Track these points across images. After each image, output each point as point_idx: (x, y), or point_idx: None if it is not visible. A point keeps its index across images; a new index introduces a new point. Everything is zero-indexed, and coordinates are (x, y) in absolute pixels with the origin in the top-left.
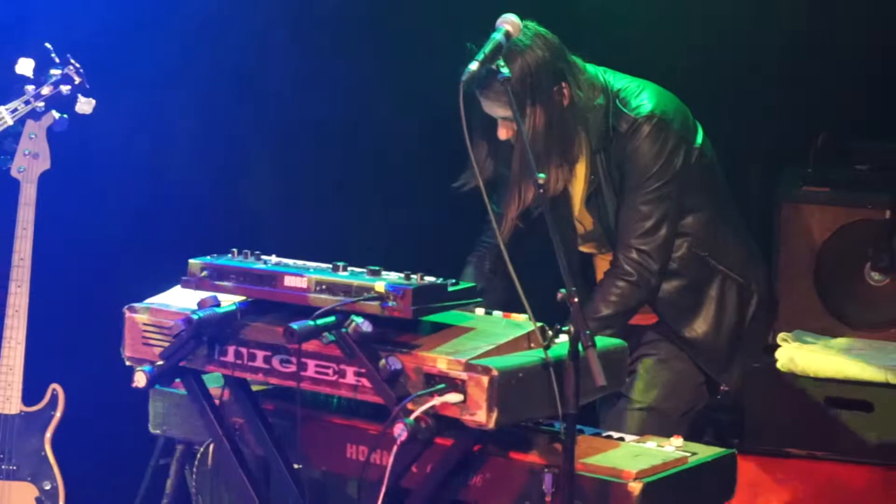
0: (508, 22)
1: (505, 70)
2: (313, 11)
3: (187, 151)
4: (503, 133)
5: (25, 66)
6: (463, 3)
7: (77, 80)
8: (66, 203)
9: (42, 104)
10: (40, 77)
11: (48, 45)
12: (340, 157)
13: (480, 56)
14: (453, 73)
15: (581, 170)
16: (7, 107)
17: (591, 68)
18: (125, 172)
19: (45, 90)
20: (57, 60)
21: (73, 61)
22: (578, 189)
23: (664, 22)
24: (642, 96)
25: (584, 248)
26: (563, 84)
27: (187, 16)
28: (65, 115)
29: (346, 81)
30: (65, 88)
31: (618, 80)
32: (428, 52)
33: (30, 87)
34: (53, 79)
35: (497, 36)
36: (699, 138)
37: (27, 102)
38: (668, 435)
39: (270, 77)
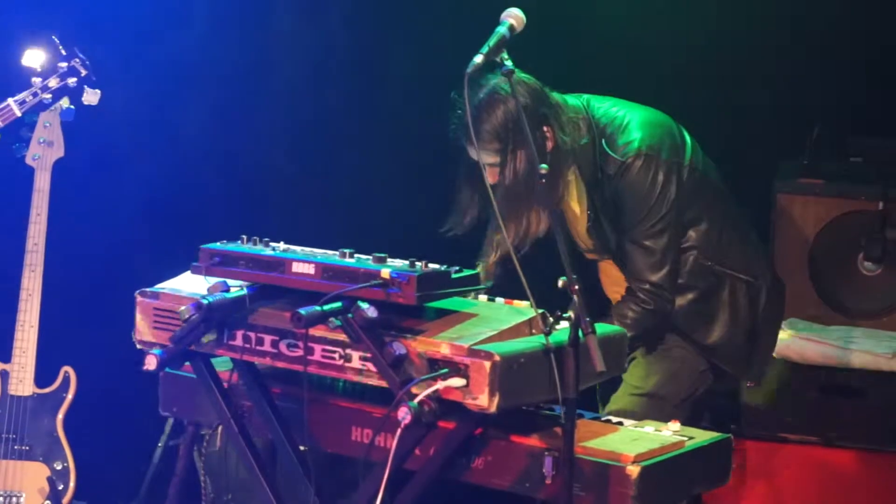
0: (512, 16)
1: (509, 63)
2: (327, 6)
3: (199, 140)
4: (492, 177)
5: (33, 58)
6: (471, 4)
7: (83, 72)
8: (79, 190)
9: (49, 96)
10: (47, 69)
11: (55, 38)
12: (350, 147)
13: (485, 49)
14: (460, 69)
15: (576, 200)
16: (16, 98)
17: (573, 101)
18: (138, 160)
19: (53, 82)
20: (63, 52)
21: (79, 53)
22: (579, 219)
23: (662, 18)
24: (628, 132)
25: (587, 256)
26: (546, 129)
27: (202, 7)
28: (72, 106)
29: (357, 74)
30: (71, 80)
31: (602, 112)
32: (437, 47)
33: (37, 80)
34: (60, 71)
35: (501, 29)
36: (688, 153)
37: (35, 94)
38: (668, 419)
39: (282, 68)
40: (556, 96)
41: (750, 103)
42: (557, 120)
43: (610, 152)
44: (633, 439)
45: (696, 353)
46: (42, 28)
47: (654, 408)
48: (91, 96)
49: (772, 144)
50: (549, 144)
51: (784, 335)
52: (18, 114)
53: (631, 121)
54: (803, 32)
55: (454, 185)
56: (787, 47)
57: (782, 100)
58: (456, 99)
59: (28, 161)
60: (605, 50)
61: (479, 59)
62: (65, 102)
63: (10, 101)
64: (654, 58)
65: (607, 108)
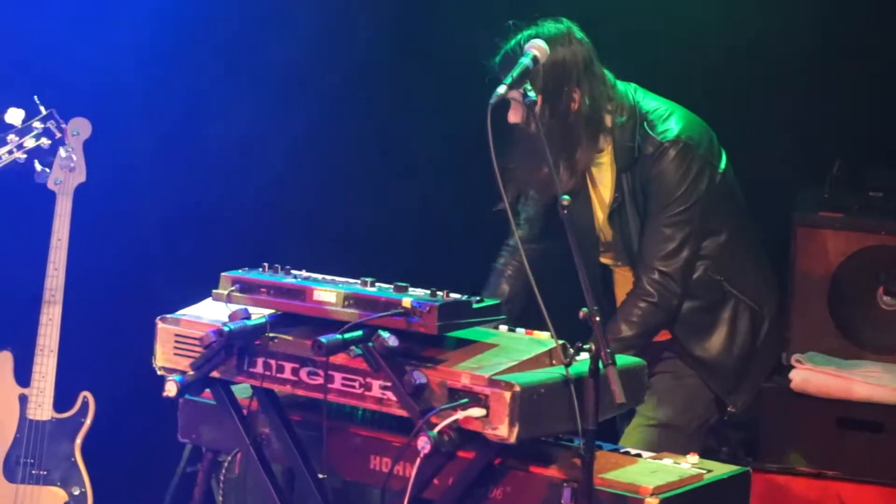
0: (536, 47)
1: (531, 94)
2: (349, 36)
3: (220, 166)
4: (513, 116)
5: (14, 116)
6: (489, 17)
7: (58, 134)
8: (100, 215)
9: (24, 155)
10: (27, 128)
11: (35, 99)
12: (373, 172)
13: (508, 80)
14: (483, 86)
15: (607, 186)
16: None
17: (621, 85)
18: (159, 186)
19: (28, 142)
20: (43, 112)
21: (56, 115)
22: (604, 201)
23: (681, 42)
24: (670, 121)
25: (602, 259)
26: (575, 89)
27: (222, 35)
28: (46, 170)
29: (377, 96)
30: (45, 142)
31: (647, 101)
32: (459, 76)
33: (13, 137)
34: (35, 132)
35: (525, 60)
36: (723, 163)
37: (10, 152)
38: (682, 449)
39: (303, 94)
40: (607, 73)
41: (770, 134)
42: (590, 86)
43: (650, 132)
44: (651, 471)
45: (705, 383)
46: (59, 58)
47: (668, 437)
48: (65, 160)
49: (791, 176)
50: (574, 105)
51: (803, 368)
52: None
53: (674, 113)
54: (824, 63)
55: (494, 163)
56: (807, 78)
57: (803, 131)
58: (513, 24)
59: (50, 185)
60: (627, 77)
61: (502, 89)
62: (38, 165)
63: None
64: (671, 82)
65: (651, 99)
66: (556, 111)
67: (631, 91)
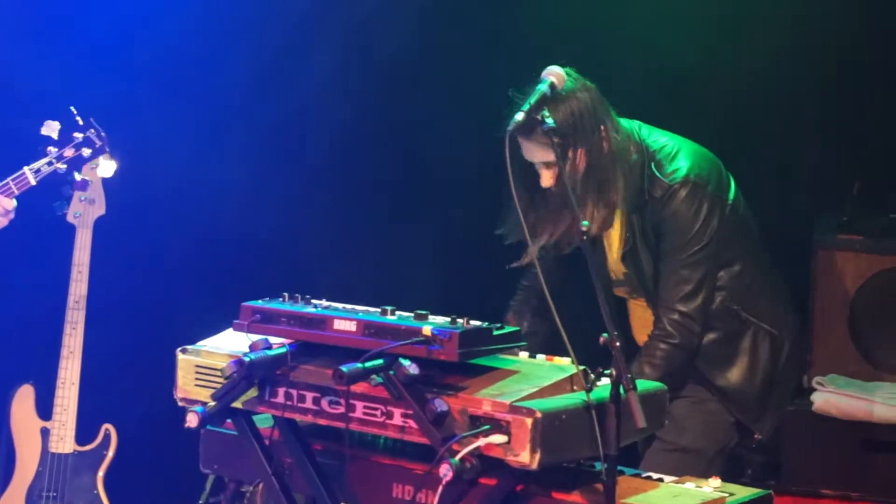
0: (553, 74)
1: (550, 120)
2: (361, 66)
3: (240, 196)
4: (547, 179)
5: (50, 128)
6: (507, 61)
7: (98, 143)
8: (120, 247)
9: (64, 166)
10: (63, 139)
11: (72, 109)
12: (392, 201)
13: (526, 107)
14: (498, 122)
15: (616, 226)
16: (31, 167)
17: (625, 123)
18: (179, 217)
19: (68, 152)
20: (80, 123)
21: (94, 124)
22: (614, 243)
23: (701, 69)
24: (678, 160)
25: (615, 292)
26: (603, 129)
27: (239, 68)
28: (87, 178)
29: (398, 123)
30: (86, 151)
31: (652, 138)
32: (475, 104)
33: (53, 149)
34: (75, 141)
35: (542, 87)
36: (732, 193)
37: (50, 163)
38: (704, 473)
39: (319, 124)
40: (611, 109)
41: (789, 157)
42: (612, 123)
43: (658, 175)
44: (673, 496)
45: (726, 407)
46: (76, 91)
47: (689, 462)
48: (106, 168)
49: (811, 199)
50: (606, 146)
51: (825, 391)
52: (33, 182)
53: (681, 150)
54: (842, 85)
55: (505, 190)
56: (827, 101)
57: (822, 154)
58: (515, 95)
59: (69, 219)
60: (640, 103)
61: (520, 116)
62: (78, 175)
63: (26, 169)
64: (688, 108)
65: (657, 135)
66: (594, 156)
67: (636, 128)
